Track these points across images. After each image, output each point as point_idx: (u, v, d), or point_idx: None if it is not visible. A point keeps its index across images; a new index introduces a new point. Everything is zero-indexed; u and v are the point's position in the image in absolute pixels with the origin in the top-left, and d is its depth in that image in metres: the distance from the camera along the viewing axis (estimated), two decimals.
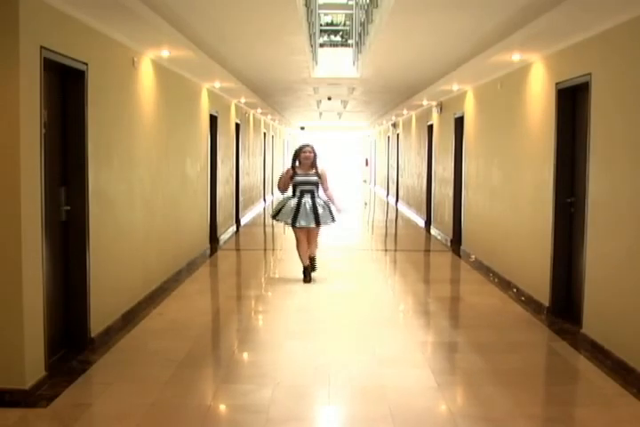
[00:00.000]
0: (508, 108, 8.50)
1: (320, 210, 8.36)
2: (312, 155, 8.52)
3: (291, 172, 8.52)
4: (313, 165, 8.53)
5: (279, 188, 8.68)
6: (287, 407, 4.45)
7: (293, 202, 8.40)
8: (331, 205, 8.53)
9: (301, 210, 8.31)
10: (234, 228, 14.29)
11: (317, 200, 8.44)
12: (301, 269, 8.70)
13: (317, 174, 8.49)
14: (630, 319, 5.06)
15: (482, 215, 9.90)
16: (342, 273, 9.43)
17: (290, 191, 8.66)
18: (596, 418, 4.35)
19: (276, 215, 8.56)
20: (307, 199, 8.37)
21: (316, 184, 8.48)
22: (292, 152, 8.74)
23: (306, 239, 8.55)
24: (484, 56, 7.55)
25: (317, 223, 8.39)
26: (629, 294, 5.11)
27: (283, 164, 29.91)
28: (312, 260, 8.69)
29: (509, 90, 8.46)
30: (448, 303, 7.86)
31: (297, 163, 8.57)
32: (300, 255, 8.64)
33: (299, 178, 8.46)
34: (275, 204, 8.94)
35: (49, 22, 4.74)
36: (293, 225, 8.41)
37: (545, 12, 5.34)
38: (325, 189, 8.58)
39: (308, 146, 8.61)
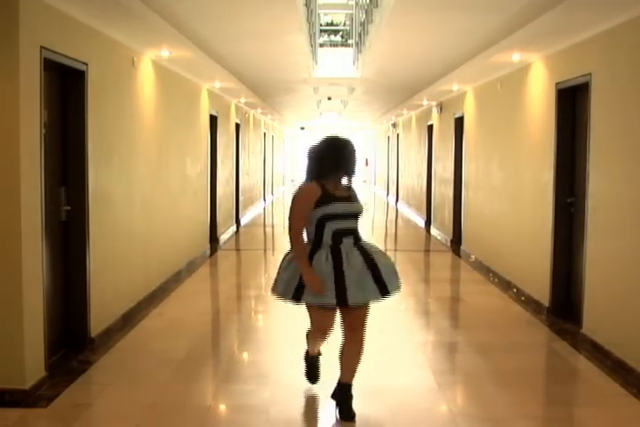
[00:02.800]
0: (508, 108, 8.50)
1: (380, 263, 4.18)
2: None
3: (318, 192, 4.14)
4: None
5: (292, 239, 4.18)
6: (287, 407, 4.45)
7: (326, 260, 4.09)
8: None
9: (347, 272, 4.06)
10: (234, 228, 14.29)
11: (366, 246, 4.25)
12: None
13: (357, 198, 4.35)
14: (630, 319, 5.06)
15: (482, 215, 9.89)
16: None
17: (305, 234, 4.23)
18: (596, 418, 4.35)
19: (297, 294, 4.12)
20: (348, 248, 4.14)
21: (359, 217, 4.30)
22: (315, 151, 4.30)
23: (332, 327, 4.29)
24: (484, 56, 7.55)
25: (384, 292, 4.15)
26: (629, 294, 5.11)
27: (283, 164, 29.91)
28: (346, 388, 4.29)
29: (509, 90, 8.46)
30: (448, 303, 7.86)
31: (320, 174, 4.22)
32: (309, 341, 4.60)
33: (335, 207, 4.14)
34: (282, 264, 4.30)
35: (49, 22, 4.74)
36: (341, 304, 4.10)
37: (545, 11, 5.34)
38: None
39: (351, 142, 4.41)
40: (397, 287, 4.21)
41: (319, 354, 4.66)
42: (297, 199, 4.18)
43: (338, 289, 4.01)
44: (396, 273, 4.25)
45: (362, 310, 4.18)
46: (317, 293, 4.01)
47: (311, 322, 4.32)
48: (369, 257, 4.13)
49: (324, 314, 4.17)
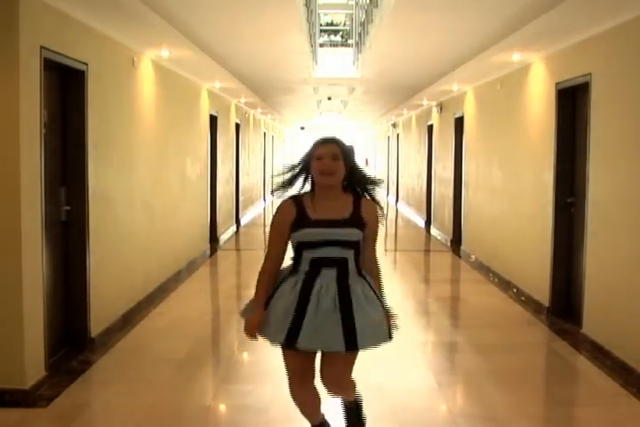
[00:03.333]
0: (508, 108, 8.50)
1: (361, 312, 3.31)
2: (339, 165, 3.32)
3: (292, 213, 3.33)
4: (346, 192, 3.40)
5: (263, 264, 3.43)
6: (287, 407, 4.43)
7: (292, 288, 3.31)
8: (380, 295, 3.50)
9: (310, 310, 3.25)
10: (234, 228, 14.29)
11: (355, 283, 3.32)
12: None
13: (358, 221, 3.33)
14: (630, 319, 5.06)
15: (482, 215, 9.89)
16: None
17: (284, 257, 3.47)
18: (596, 418, 4.35)
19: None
20: (326, 281, 3.29)
21: (354, 245, 3.33)
22: (300, 159, 3.46)
23: (312, 376, 3.51)
24: (484, 56, 7.55)
25: (351, 344, 3.27)
26: (629, 295, 5.10)
27: (283, 165, 29.82)
28: (351, 408, 3.69)
29: (509, 90, 8.46)
30: (448, 303, 7.86)
31: (307, 184, 3.47)
32: (300, 408, 3.63)
33: (307, 234, 3.30)
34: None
35: (49, 22, 4.74)
36: (289, 346, 3.30)
37: (545, 11, 5.34)
38: (368, 259, 3.42)
39: (331, 141, 3.39)
40: (373, 344, 3.37)
41: (325, 422, 3.64)
42: (272, 222, 3.42)
43: (291, 326, 3.22)
44: (381, 328, 3.42)
45: (336, 359, 3.34)
46: (248, 332, 3.37)
47: (287, 370, 3.53)
48: (347, 300, 3.25)
49: (296, 359, 3.38)
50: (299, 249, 3.33)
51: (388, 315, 3.47)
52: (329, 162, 3.29)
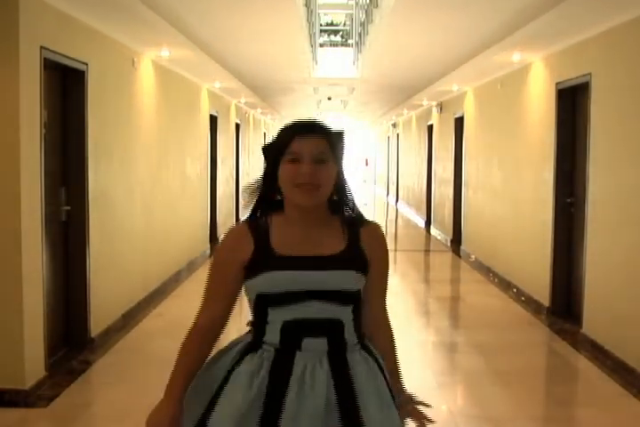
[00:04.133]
0: (508, 108, 8.50)
1: (370, 412, 1.89)
2: (327, 170, 1.91)
3: (247, 245, 1.97)
4: (334, 212, 2.00)
5: (188, 333, 2.07)
6: None
7: (250, 382, 1.88)
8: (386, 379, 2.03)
9: (287, 414, 1.81)
10: None
11: (357, 361, 1.93)
12: None
13: (358, 258, 1.95)
14: (630, 319, 5.06)
15: (482, 215, 9.89)
16: None
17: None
18: (596, 418, 4.35)
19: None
20: (312, 360, 1.89)
21: (354, 298, 1.95)
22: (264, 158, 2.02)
23: None
24: (484, 56, 7.55)
25: None
26: (629, 295, 5.10)
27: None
28: None
29: (509, 90, 8.46)
30: (448, 303, 7.87)
31: (268, 200, 2.16)
32: None
33: (274, 278, 1.92)
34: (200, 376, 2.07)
35: (49, 22, 4.75)
36: None
37: (545, 11, 5.34)
38: (374, 320, 2.07)
39: (314, 130, 1.91)
40: None
41: None
42: (212, 261, 2.12)
43: None
44: None
45: None
46: None
47: None
48: (347, 390, 1.90)
49: None
50: (261, 307, 2.00)
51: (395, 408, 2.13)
52: (310, 167, 1.91)
